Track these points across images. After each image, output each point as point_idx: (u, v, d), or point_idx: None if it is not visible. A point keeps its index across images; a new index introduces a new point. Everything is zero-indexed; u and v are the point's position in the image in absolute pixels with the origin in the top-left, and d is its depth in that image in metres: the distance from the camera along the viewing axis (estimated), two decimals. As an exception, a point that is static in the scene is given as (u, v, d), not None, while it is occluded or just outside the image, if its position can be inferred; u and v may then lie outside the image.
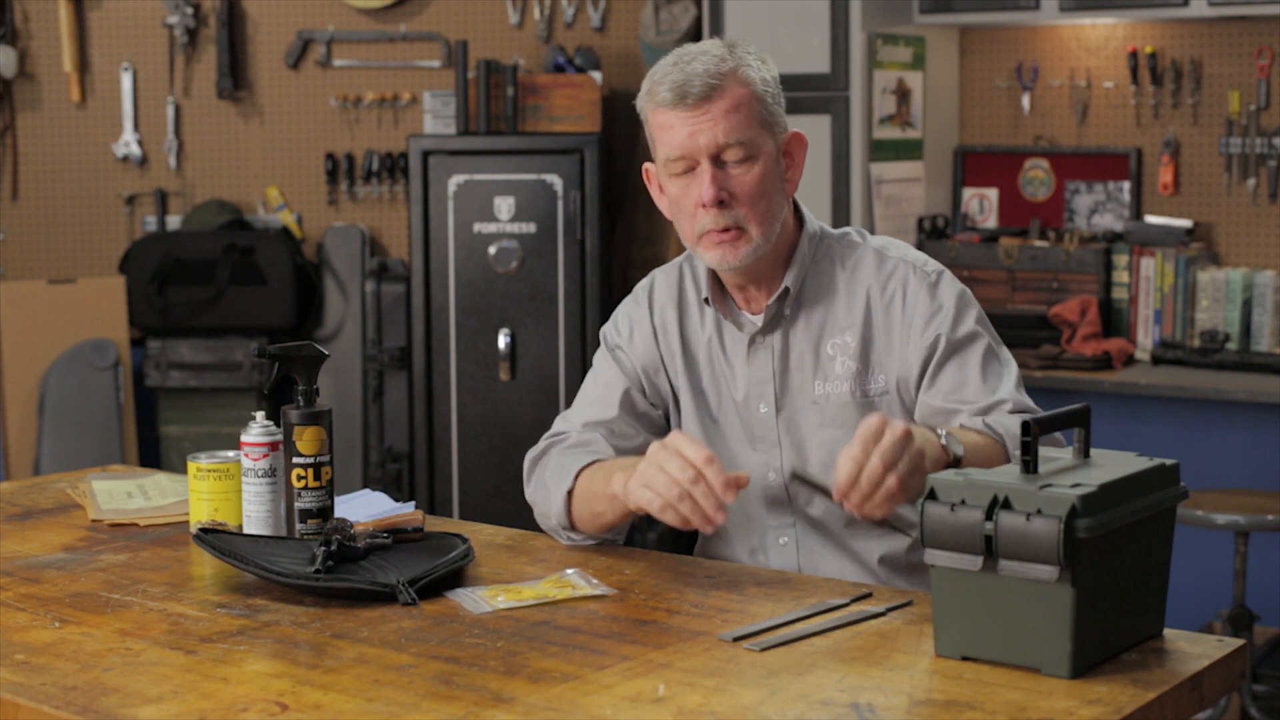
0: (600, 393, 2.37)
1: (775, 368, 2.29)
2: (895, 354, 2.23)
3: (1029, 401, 2.19)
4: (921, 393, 2.22)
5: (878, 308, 2.24)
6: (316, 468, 2.19)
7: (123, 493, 2.55)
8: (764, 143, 2.19)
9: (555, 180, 4.86)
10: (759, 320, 2.29)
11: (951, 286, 2.25)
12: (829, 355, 2.26)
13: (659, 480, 1.96)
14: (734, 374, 2.32)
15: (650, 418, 2.37)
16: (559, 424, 2.40)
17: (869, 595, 1.96)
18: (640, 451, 2.29)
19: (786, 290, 2.26)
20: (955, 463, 1.98)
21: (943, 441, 1.99)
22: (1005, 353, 2.25)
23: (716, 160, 2.17)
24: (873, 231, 4.53)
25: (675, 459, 1.96)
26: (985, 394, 2.18)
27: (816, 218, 2.35)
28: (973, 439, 2.07)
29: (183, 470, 2.45)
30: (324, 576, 1.97)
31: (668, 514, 1.96)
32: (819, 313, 2.27)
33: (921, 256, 2.28)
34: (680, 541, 4.95)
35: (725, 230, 2.19)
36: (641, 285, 2.41)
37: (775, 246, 2.25)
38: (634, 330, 2.39)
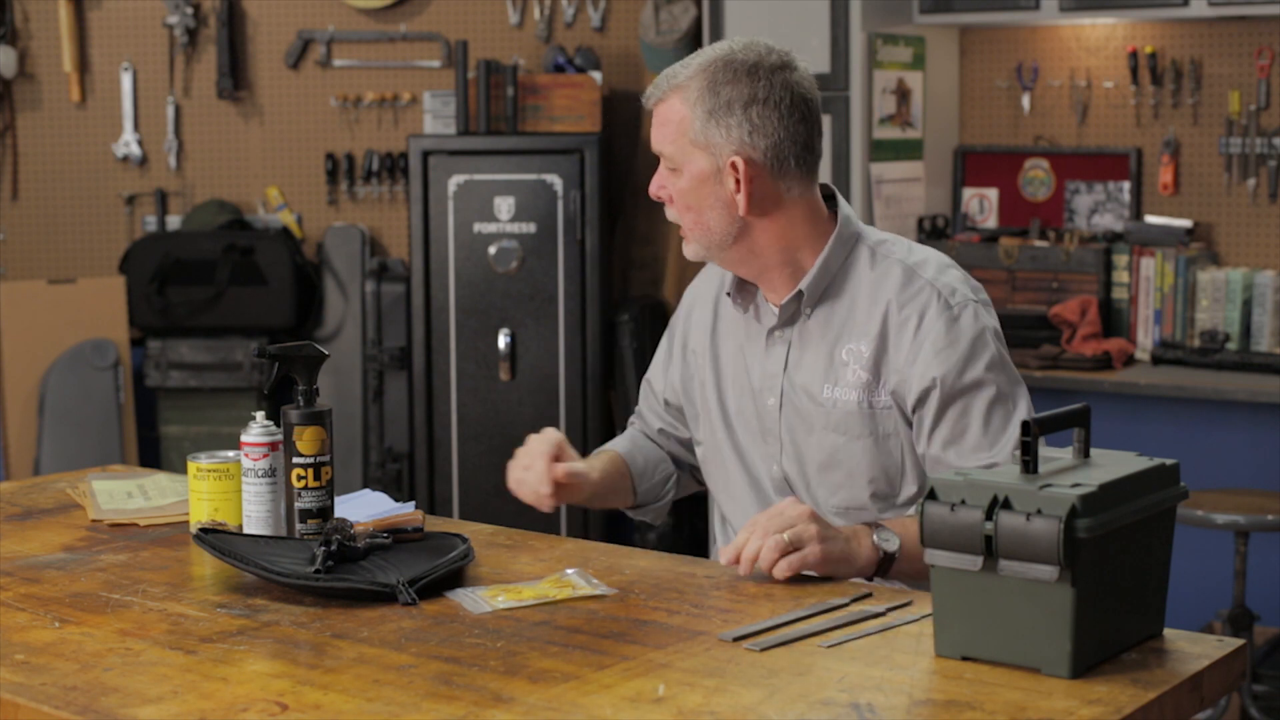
0: (658, 369, 2.55)
1: (787, 364, 2.31)
2: (899, 373, 2.24)
3: None
4: (924, 438, 2.23)
5: (894, 324, 2.24)
6: (316, 468, 2.19)
7: (123, 493, 2.55)
8: (690, 160, 2.24)
9: (555, 180, 4.86)
10: (778, 314, 2.32)
11: (973, 324, 2.23)
12: (843, 361, 2.27)
13: (514, 462, 2.33)
14: (752, 364, 2.35)
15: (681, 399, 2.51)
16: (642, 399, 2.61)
17: (869, 595, 1.97)
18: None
19: (800, 292, 2.28)
20: (888, 559, 2.10)
21: (874, 539, 2.09)
22: (1018, 399, 2.23)
23: (663, 160, 2.30)
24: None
25: (526, 444, 2.32)
26: (982, 449, 2.19)
27: None
28: (916, 526, 2.10)
29: (183, 470, 2.45)
30: (324, 576, 1.97)
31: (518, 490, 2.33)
32: (839, 316, 2.28)
33: (952, 283, 2.25)
34: (680, 542, 4.95)
35: (680, 225, 2.32)
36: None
37: (783, 249, 2.28)
38: (698, 295, 2.49)
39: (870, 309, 2.26)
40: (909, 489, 2.27)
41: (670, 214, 2.30)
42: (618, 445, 2.53)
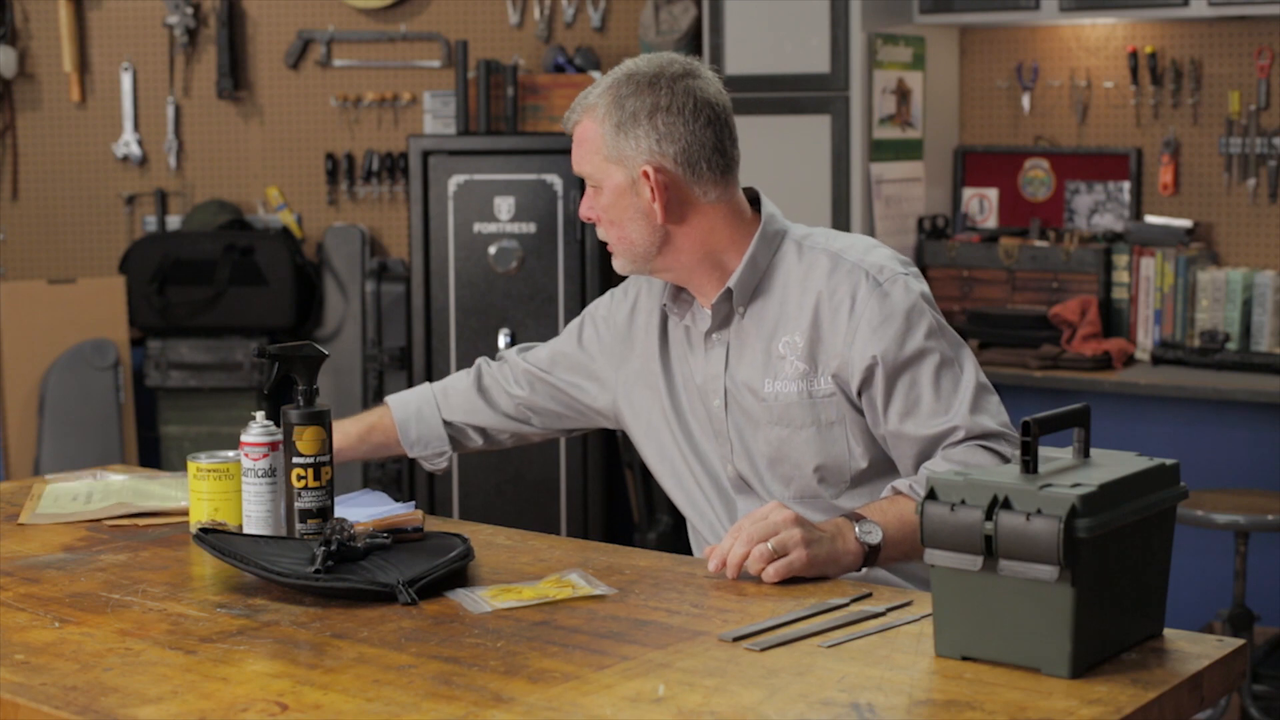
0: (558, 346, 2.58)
1: (728, 364, 2.34)
2: (839, 356, 2.25)
3: (986, 421, 2.20)
4: (879, 416, 2.24)
5: (825, 310, 2.27)
6: (316, 468, 2.19)
7: (68, 495, 2.54)
8: (608, 175, 2.30)
9: (555, 180, 4.86)
10: (711, 317, 2.35)
11: (905, 296, 2.25)
12: (780, 354, 2.30)
13: None
14: (696, 369, 2.39)
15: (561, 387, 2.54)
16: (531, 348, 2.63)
17: (869, 595, 1.97)
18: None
19: (729, 290, 2.31)
20: (874, 551, 2.10)
21: (857, 534, 2.09)
22: (964, 360, 2.25)
23: (587, 181, 2.34)
24: (873, 232, 4.58)
25: None
26: (938, 415, 2.21)
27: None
28: (899, 515, 2.13)
29: (182, 470, 2.45)
30: (324, 576, 1.97)
31: None
32: (772, 311, 2.31)
33: (879, 261, 2.28)
34: (680, 542, 4.95)
35: (607, 244, 2.36)
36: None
37: (707, 253, 2.31)
38: (640, 303, 2.49)
39: (801, 299, 2.29)
40: (857, 467, 2.28)
41: (600, 234, 2.35)
42: (401, 404, 2.60)
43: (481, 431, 2.61)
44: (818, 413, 2.27)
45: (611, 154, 2.28)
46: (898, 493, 2.19)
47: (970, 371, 2.24)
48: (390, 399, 2.63)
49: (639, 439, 2.49)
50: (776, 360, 2.29)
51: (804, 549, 2.02)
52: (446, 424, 2.60)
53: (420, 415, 2.60)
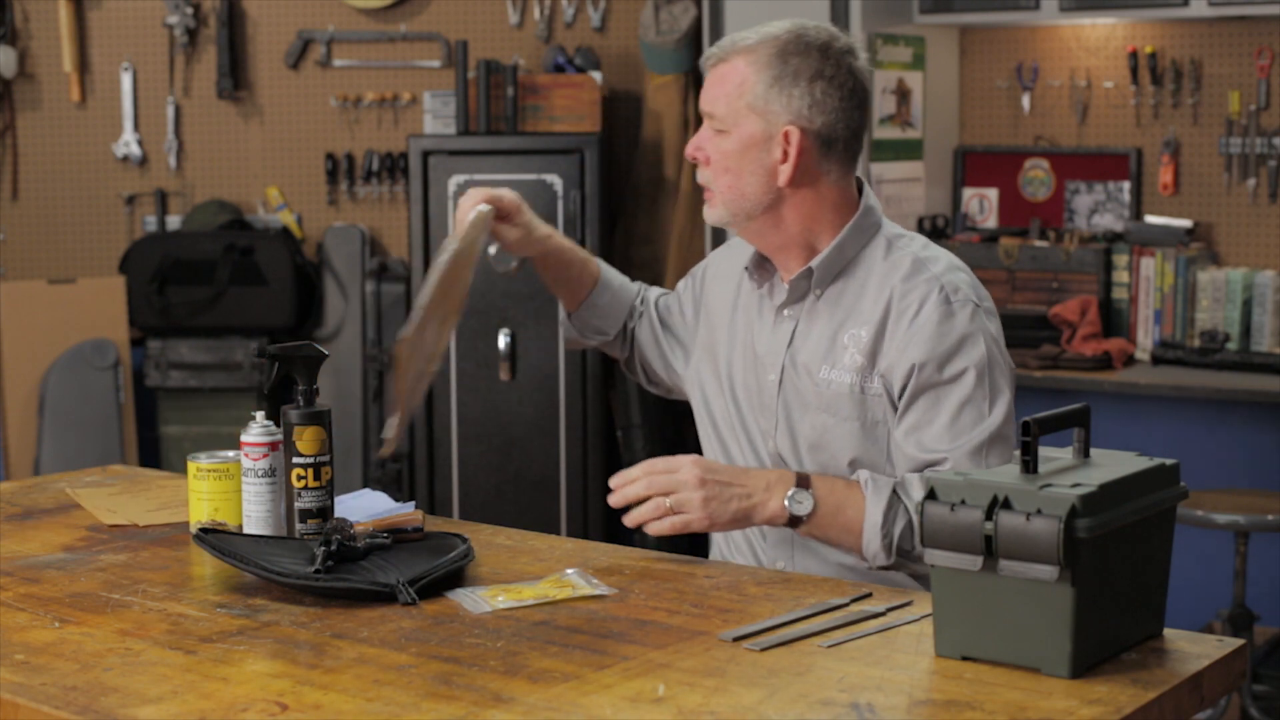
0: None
1: (792, 341, 2.33)
2: (889, 359, 2.25)
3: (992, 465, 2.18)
4: (895, 421, 2.25)
5: (894, 311, 2.26)
6: (316, 468, 2.19)
7: (104, 495, 2.53)
8: (743, 122, 2.26)
9: (555, 180, 4.86)
10: (788, 291, 2.35)
11: (967, 323, 2.23)
12: (843, 345, 2.29)
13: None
14: (759, 339, 2.38)
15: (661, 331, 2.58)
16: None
17: (869, 595, 1.97)
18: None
19: (810, 270, 2.31)
20: (794, 520, 2.16)
21: (787, 501, 2.15)
22: (996, 406, 2.21)
23: (709, 121, 2.31)
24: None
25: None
26: (940, 443, 2.19)
27: None
28: (840, 502, 2.17)
29: (182, 470, 2.45)
30: (324, 576, 1.97)
31: None
32: (847, 301, 2.30)
33: (957, 282, 2.26)
34: (680, 541, 4.95)
35: (706, 188, 2.34)
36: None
37: (805, 229, 2.30)
38: (720, 269, 2.51)
39: (877, 296, 2.28)
40: (891, 472, 2.27)
41: (702, 176, 2.33)
42: (610, 272, 2.60)
43: (639, 350, 2.62)
44: (865, 410, 2.26)
45: (757, 103, 2.26)
46: (859, 481, 2.21)
47: (996, 420, 2.21)
48: (602, 263, 2.62)
49: (696, 406, 2.49)
50: (839, 349, 2.29)
51: (703, 511, 2.09)
52: (627, 319, 2.61)
53: (619, 293, 2.59)
